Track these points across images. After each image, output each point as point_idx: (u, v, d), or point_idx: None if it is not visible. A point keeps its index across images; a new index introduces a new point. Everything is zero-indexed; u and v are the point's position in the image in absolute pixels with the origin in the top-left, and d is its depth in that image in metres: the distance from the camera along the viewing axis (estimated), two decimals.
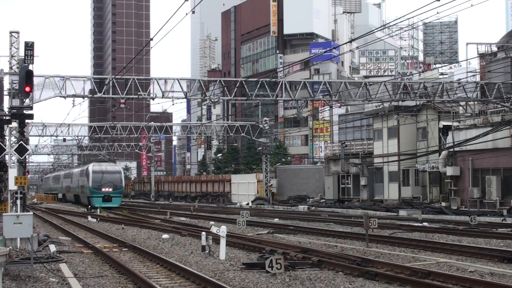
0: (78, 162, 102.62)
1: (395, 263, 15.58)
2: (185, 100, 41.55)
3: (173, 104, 60.07)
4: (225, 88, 37.44)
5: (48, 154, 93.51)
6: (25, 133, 27.58)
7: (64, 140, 70.41)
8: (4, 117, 26.98)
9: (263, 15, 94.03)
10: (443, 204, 41.44)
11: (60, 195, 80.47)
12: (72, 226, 32.55)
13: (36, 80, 29.29)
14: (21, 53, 26.33)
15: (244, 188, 62.45)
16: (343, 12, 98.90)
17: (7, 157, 27.11)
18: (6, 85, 27.36)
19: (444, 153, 42.30)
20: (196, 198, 67.68)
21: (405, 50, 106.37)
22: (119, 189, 53.94)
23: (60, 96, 33.81)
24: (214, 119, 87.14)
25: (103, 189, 52.28)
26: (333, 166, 56.19)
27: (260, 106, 75.00)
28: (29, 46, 25.29)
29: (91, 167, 54.69)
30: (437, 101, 40.19)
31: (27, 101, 27.48)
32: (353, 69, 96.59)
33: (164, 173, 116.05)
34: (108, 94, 35.40)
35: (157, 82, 35.30)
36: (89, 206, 50.90)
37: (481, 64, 60.51)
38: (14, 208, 23.71)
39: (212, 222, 30.87)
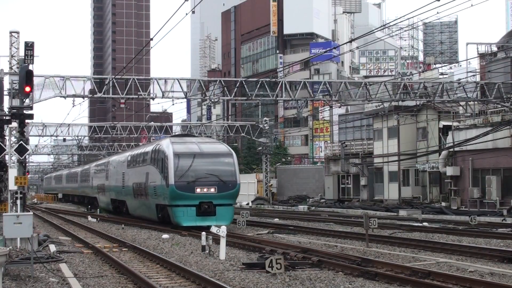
0: (78, 162, 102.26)
1: (395, 263, 15.56)
2: (185, 100, 41.50)
3: (173, 104, 59.91)
4: (225, 88, 37.43)
5: (48, 154, 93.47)
6: (25, 133, 27.62)
7: (64, 140, 70.29)
8: (4, 117, 27.02)
9: (263, 15, 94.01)
10: (443, 204, 41.44)
11: (60, 195, 79.93)
12: (72, 226, 32.56)
13: (36, 80, 29.31)
14: (21, 53, 26.39)
15: (244, 188, 62.32)
16: (343, 12, 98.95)
17: (7, 157, 27.15)
18: (6, 85, 27.42)
19: (444, 153, 42.31)
20: None
21: (405, 50, 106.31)
22: (232, 189, 26.56)
23: (60, 96, 33.80)
24: (214, 119, 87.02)
25: (199, 190, 25.98)
26: (333, 166, 56.21)
27: (260, 106, 74.92)
28: (29, 46, 25.33)
29: (170, 145, 27.20)
30: (437, 101, 40.18)
31: (27, 101, 27.49)
32: (353, 69, 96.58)
33: None
34: (108, 94, 35.39)
35: (157, 82, 35.29)
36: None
37: (481, 64, 60.54)
38: (14, 208, 23.72)
39: None
